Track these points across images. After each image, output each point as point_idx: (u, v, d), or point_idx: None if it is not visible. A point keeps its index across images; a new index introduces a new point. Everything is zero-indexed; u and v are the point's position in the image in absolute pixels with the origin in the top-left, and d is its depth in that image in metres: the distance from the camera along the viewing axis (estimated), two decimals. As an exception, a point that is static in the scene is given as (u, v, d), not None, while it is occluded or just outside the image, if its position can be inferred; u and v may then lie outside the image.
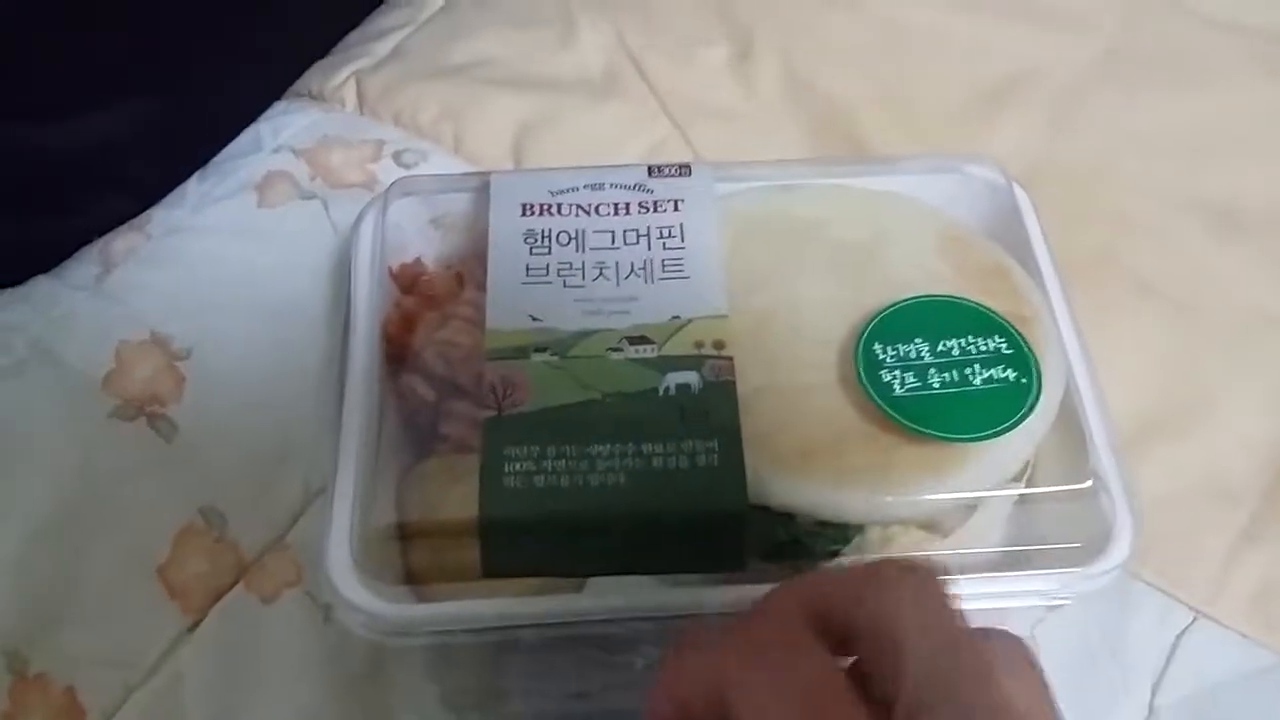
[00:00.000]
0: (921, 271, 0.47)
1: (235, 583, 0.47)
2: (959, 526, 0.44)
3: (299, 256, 0.56)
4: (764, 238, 0.49)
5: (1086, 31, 0.68)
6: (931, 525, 0.44)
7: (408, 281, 0.50)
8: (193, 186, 0.58)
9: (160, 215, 0.57)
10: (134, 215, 0.57)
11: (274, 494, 0.49)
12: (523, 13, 0.68)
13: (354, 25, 0.67)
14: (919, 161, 0.54)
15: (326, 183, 0.58)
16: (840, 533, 0.43)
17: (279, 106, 0.63)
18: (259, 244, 0.56)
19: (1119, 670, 0.47)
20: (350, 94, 0.63)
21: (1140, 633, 0.48)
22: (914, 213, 0.50)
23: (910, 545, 0.44)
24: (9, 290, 0.54)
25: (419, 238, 0.51)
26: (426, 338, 0.47)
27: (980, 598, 0.42)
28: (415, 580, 0.44)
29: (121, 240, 0.56)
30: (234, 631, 0.46)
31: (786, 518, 0.42)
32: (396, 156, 0.60)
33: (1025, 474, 0.45)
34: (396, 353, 0.47)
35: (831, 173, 0.52)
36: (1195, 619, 0.48)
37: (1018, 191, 0.52)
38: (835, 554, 0.43)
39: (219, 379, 0.52)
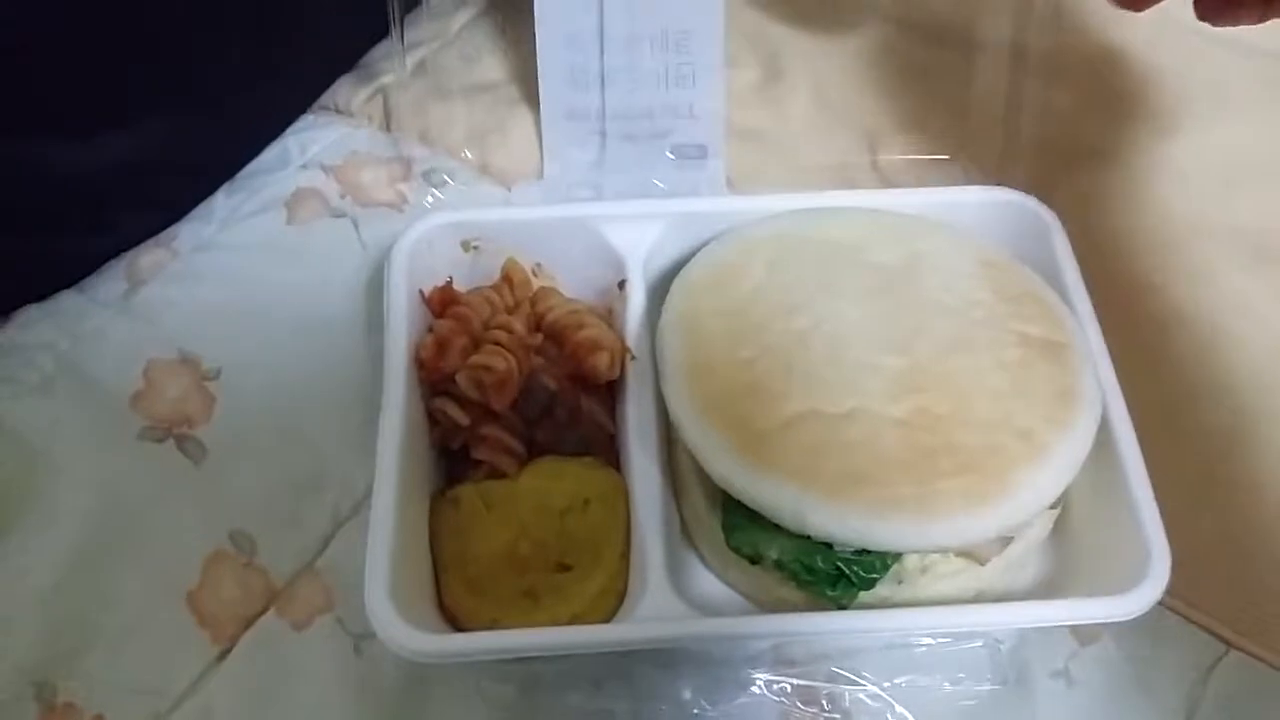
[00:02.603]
0: (958, 295, 0.47)
1: (266, 609, 0.47)
2: (996, 555, 0.45)
3: (329, 275, 0.55)
4: (800, 260, 0.48)
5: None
6: (969, 554, 0.45)
7: (441, 305, 0.51)
8: (220, 201, 0.58)
9: (188, 231, 0.56)
10: (161, 230, 0.56)
11: (304, 518, 0.49)
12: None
13: (379, 39, 0.66)
14: (950, 186, 0.54)
15: (356, 201, 0.58)
16: (879, 561, 0.43)
17: (305, 120, 0.62)
18: (288, 262, 0.56)
19: (1151, 703, 0.47)
20: (377, 110, 0.63)
21: (1172, 664, 0.48)
22: (949, 237, 0.50)
23: (948, 573, 0.44)
24: (35, 306, 0.54)
25: (450, 261, 0.52)
26: (460, 362, 0.48)
27: (1015, 624, 0.43)
28: (450, 609, 0.44)
29: (149, 256, 0.56)
30: (264, 660, 0.46)
31: (824, 547, 0.42)
32: (426, 176, 0.59)
33: (1061, 503, 0.46)
34: (431, 378, 0.48)
35: (864, 197, 0.53)
36: (1228, 651, 0.48)
37: (1047, 216, 0.52)
38: (873, 582, 0.43)
39: (248, 400, 0.51)
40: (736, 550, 0.44)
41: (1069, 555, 0.47)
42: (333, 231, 0.57)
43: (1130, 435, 0.45)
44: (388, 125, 0.62)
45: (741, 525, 0.44)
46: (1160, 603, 0.42)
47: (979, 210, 0.53)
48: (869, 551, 0.42)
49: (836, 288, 0.47)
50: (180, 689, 0.45)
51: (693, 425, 0.44)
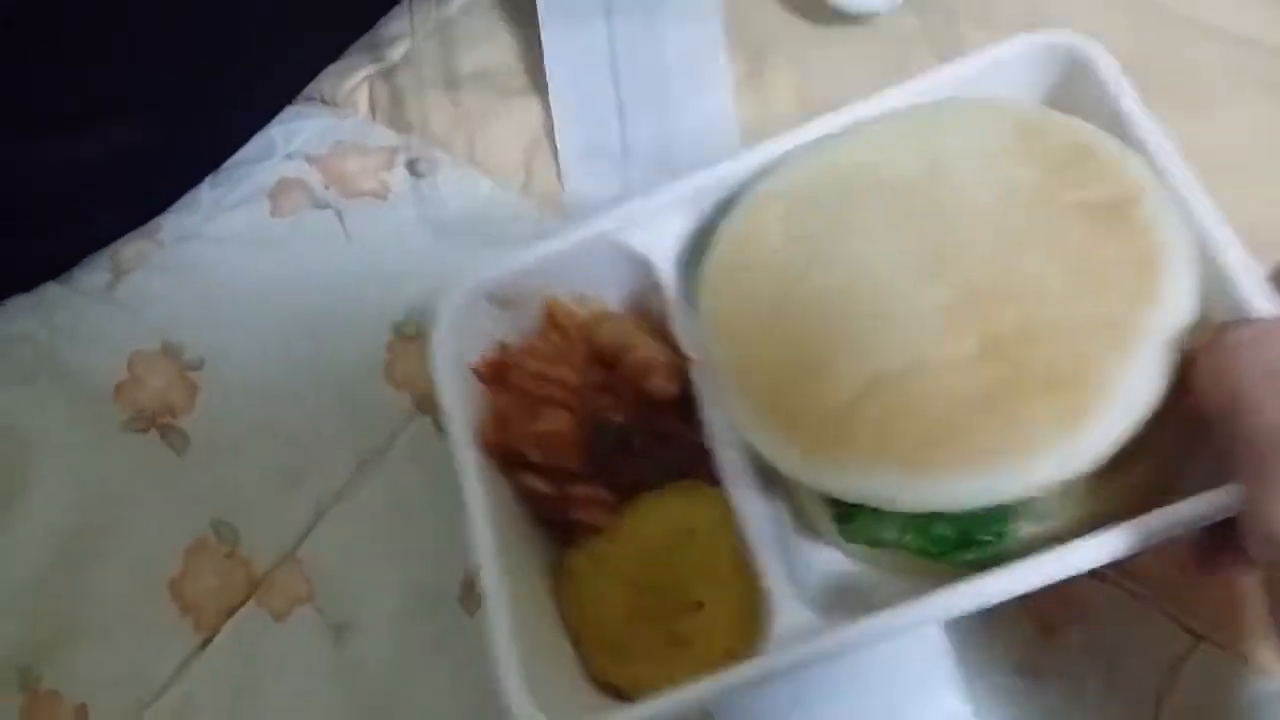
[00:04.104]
0: (995, 183, 0.40)
1: (247, 599, 0.47)
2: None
3: (313, 266, 0.56)
4: (814, 203, 0.42)
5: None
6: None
7: (493, 374, 0.47)
8: (205, 193, 0.58)
9: (171, 222, 0.57)
10: (145, 221, 0.57)
11: (286, 508, 0.49)
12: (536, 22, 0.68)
13: (365, 30, 0.66)
14: (975, 54, 0.45)
15: (340, 191, 0.58)
16: (999, 510, 0.38)
17: (290, 111, 0.62)
18: (272, 253, 0.56)
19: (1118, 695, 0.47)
20: (363, 99, 0.63)
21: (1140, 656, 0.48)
22: (973, 116, 0.43)
23: (1083, 492, 0.39)
24: (19, 297, 0.54)
25: (489, 319, 0.48)
26: (524, 430, 0.45)
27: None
28: (600, 680, 0.43)
29: (132, 247, 0.56)
30: (245, 649, 0.46)
31: (936, 515, 0.38)
32: (410, 165, 0.59)
33: None
34: (501, 453, 0.45)
35: (876, 104, 0.45)
36: (1198, 644, 0.48)
37: (1088, 49, 0.43)
38: (1003, 532, 0.38)
39: (231, 390, 0.52)
40: (852, 540, 0.41)
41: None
42: (317, 222, 0.57)
43: (1240, 256, 0.38)
44: (373, 115, 0.62)
45: (851, 515, 0.41)
46: (1130, 591, 0.42)
47: (1003, 71, 0.45)
48: (984, 509, 0.37)
49: (858, 223, 0.41)
50: (163, 677, 0.45)
51: (758, 436, 0.40)
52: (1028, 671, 0.47)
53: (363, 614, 0.47)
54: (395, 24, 0.66)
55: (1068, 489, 0.37)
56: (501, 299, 0.48)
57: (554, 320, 0.49)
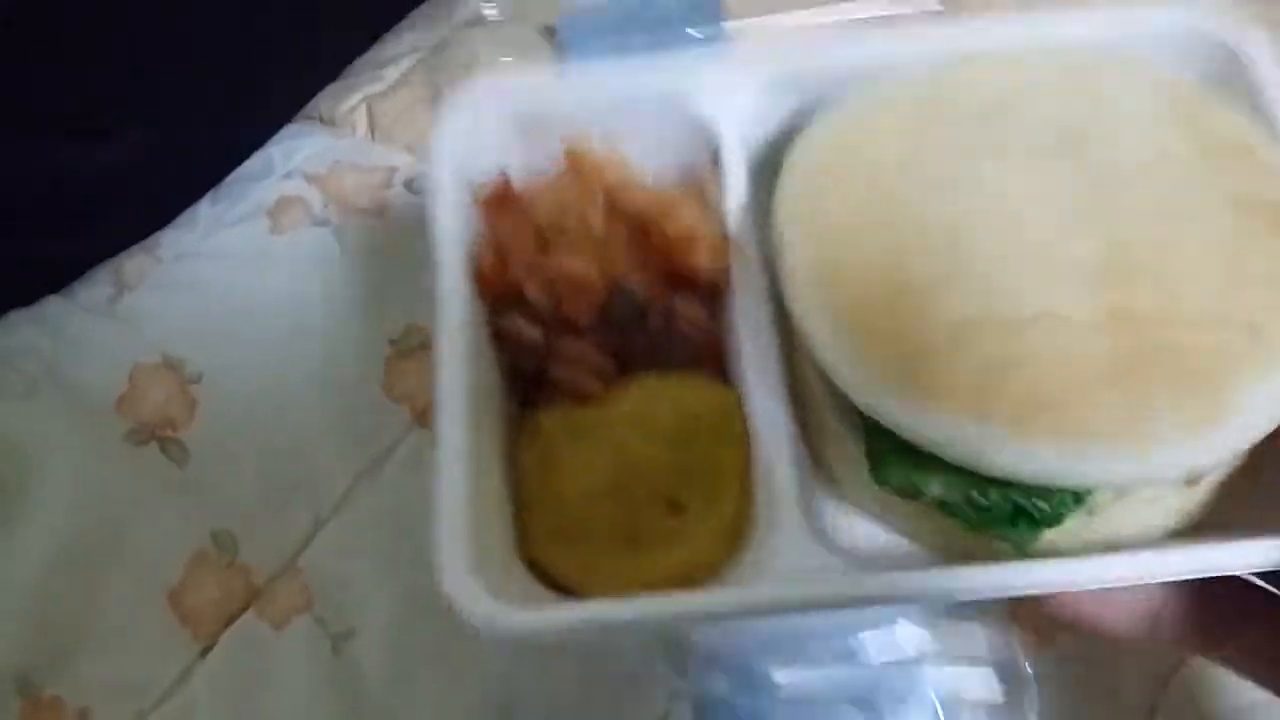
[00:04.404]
0: (1151, 152, 0.37)
1: (245, 609, 0.48)
2: (1213, 472, 0.36)
3: (311, 283, 0.56)
4: (948, 121, 0.38)
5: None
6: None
7: (497, 205, 0.41)
8: (204, 209, 0.58)
9: (171, 238, 0.57)
10: (146, 237, 0.57)
11: (284, 519, 0.50)
12: (529, 42, 0.69)
13: (364, 49, 0.67)
14: (1110, 11, 0.41)
15: (339, 209, 0.59)
16: (1070, 494, 0.35)
17: (290, 129, 0.63)
18: (271, 270, 0.56)
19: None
20: (361, 119, 0.64)
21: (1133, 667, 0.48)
22: (1134, 73, 0.39)
23: (1151, 497, 0.36)
24: (20, 311, 0.55)
25: (499, 148, 0.42)
26: (527, 270, 0.40)
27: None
28: (535, 560, 0.38)
29: (133, 262, 0.56)
30: (244, 659, 0.47)
31: (998, 480, 0.34)
32: (408, 184, 0.60)
33: None
34: (492, 293, 0.40)
35: (1002, 35, 0.42)
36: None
37: (1251, 38, 0.40)
38: (1060, 518, 0.35)
39: (230, 404, 0.52)
40: (884, 483, 0.36)
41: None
42: (315, 239, 0.58)
43: None
44: (371, 135, 0.63)
45: (892, 456, 0.36)
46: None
47: (1158, 41, 0.41)
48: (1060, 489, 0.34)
49: (997, 153, 0.37)
50: (163, 686, 0.46)
51: (830, 342, 0.35)
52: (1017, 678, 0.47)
53: (362, 623, 0.47)
54: (393, 45, 0.67)
55: (1121, 494, 0.35)
56: (521, 120, 0.42)
57: (576, 167, 0.42)
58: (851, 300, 0.35)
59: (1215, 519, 0.38)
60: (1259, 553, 0.34)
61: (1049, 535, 0.35)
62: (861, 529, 0.39)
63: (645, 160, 0.42)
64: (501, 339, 0.40)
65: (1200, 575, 0.34)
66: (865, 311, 0.35)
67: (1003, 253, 0.35)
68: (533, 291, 0.39)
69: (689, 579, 0.36)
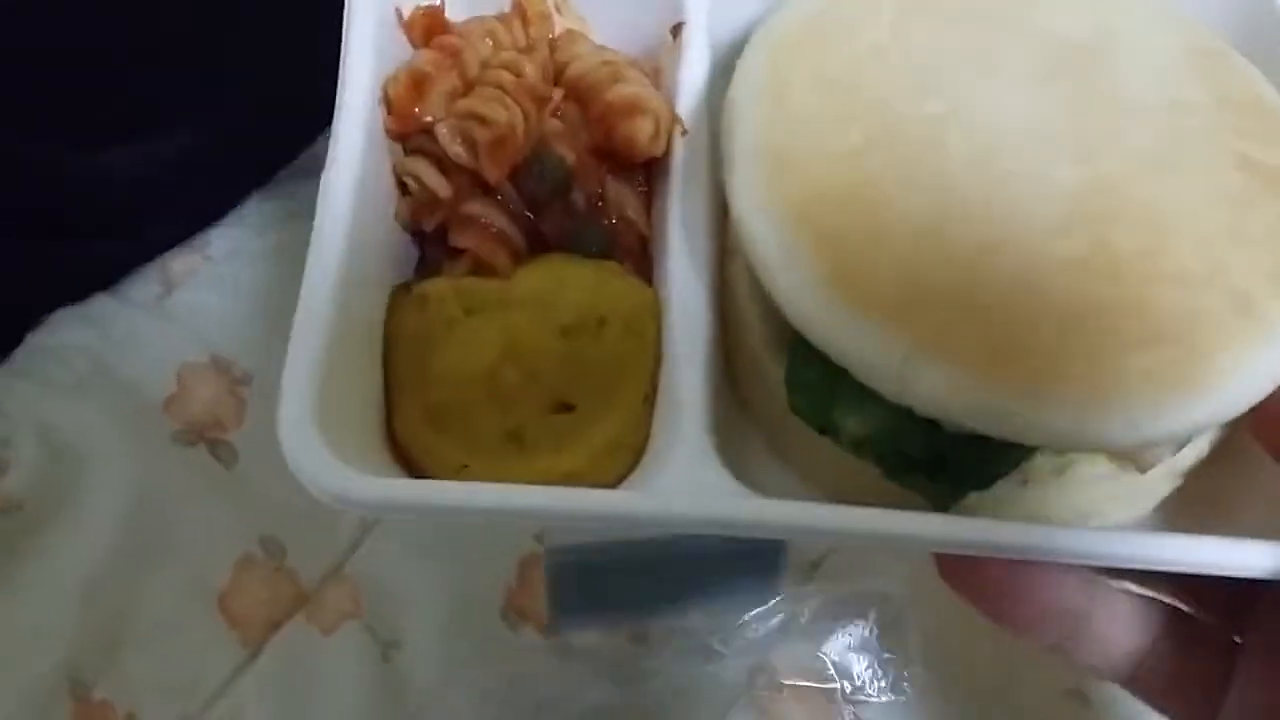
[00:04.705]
0: (1162, 93, 0.34)
1: (294, 613, 0.47)
2: (1163, 460, 0.34)
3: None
4: (942, 16, 0.35)
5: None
6: (1129, 456, 0.34)
7: (426, 33, 0.38)
8: (252, 207, 0.58)
9: (220, 236, 0.57)
10: (194, 235, 0.57)
11: (332, 524, 0.49)
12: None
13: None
14: None
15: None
16: (1005, 452, 0.32)
17: (337, 127, 0.63)
18: (320, 269, 0.56)
19: None
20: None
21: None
22: (1151, 11, 0.37)
23: (1091, 478, 0.33)
24: (70, 309, 0.55)
25: None
26: (444, 109, 0.36)
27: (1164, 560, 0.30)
28: (403, 443, 0.34)
29: (181, 261, 0.56)
30: (292, 663, 0.46)
31: (928, 423, 0.31)
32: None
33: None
34: (401, 127, 0.36)
35: None
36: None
37: None
38: (992, 479, 0.32)
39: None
40: (799, 413, 0.33)
41: (1237, 471, 0.35)
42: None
43: None
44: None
45: (813, 381, 0.33)
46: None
47: None
48: (992, 441, 0.30)
49: (992, 62, 0.34)
50: (211, 690, 0.46)
51: (767, 234, 0.32)
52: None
53: (409, 629, 0.47)
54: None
55: (1062, 470, 0.33)
56: None
57: (522, 7, 0.39)
58: (800, 193, 0.32)
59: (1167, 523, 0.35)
60: (1221, 551, 0.30)
61: (972, 499, 0.32)
62: (766, 469, 0.36)
63: (602, 27, 0.39)
64: (403, 186, 0.36)
65: (1157, 568, 0.30)
66: (811, 208, 0.32)
67: (974, 166, 0.32)
68: (445, 133, 0.35)
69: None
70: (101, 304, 0.55)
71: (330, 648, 0.47)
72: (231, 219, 0.58)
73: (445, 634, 0.47)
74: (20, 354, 0.53)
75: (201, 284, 0.55)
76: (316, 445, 0.31)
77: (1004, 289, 0.30)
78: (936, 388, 0.29)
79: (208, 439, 0.51)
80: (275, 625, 0.47)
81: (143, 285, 0.56)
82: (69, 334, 0.54)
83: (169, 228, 0.57)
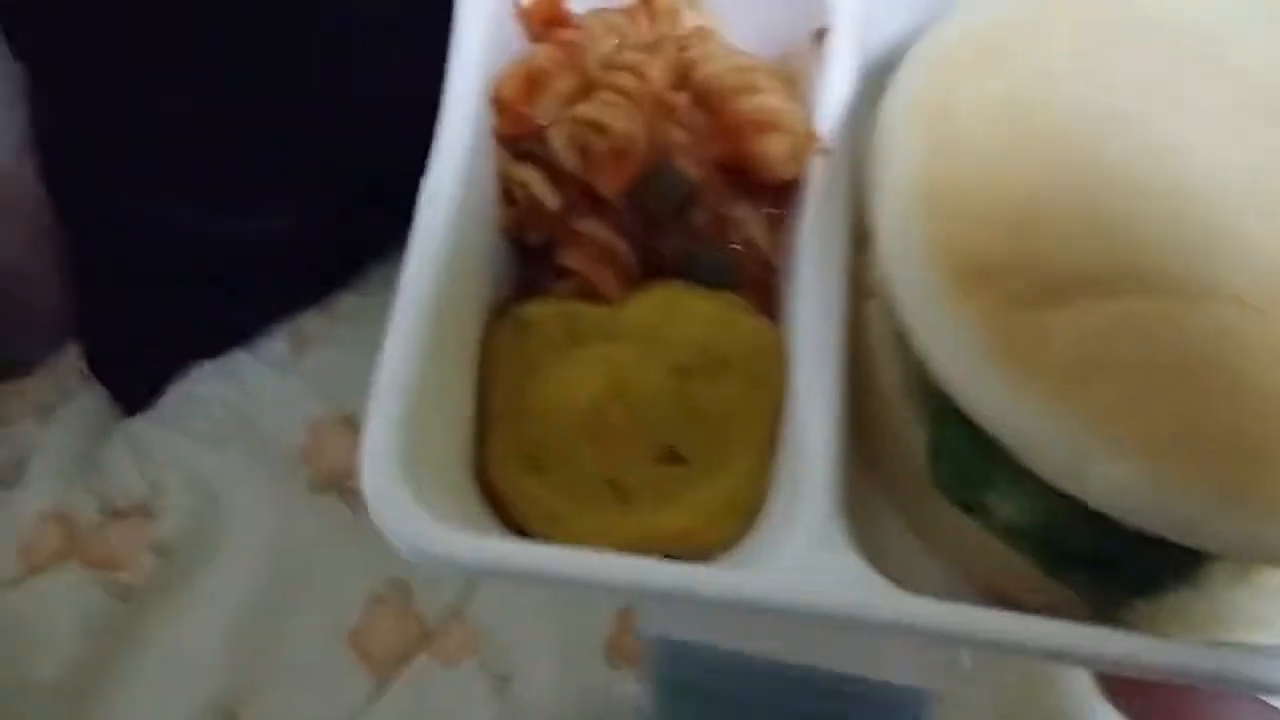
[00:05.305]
0: None
1: (419, 651, 0.51)
2: None
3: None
4: (1126, 43, 0.30)
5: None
6: None
7: (544, 24, 0.35)
8: (377, 271, 0.63)
9: (347, 298, 0.62)
10: (323, 298, 0.62)
11: (451, 566, 0.53)
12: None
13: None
14: None
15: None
16: (1183, 556, 0.27)
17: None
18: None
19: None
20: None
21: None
22: None
23: (1274, 588, 0.29)
24: (210, 363, 0.60)
25: None
26: (560, 111, 0.32)
27: None
28: (493, 481, 0.31)
29: (311, 321, 0.61)
30: (417, 698, 0.50)
31: (1097, 516, 0.26)
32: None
33: None
34: (512, 129, 0.33)
35: None
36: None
37: None
38: (1161, 585, 0.28)
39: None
40: (943, 488, 0.29)
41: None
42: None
43: None
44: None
45: (962, 451, 0.28)
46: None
47: None
48: (1173, 545, 0.26)
49: (1182, 97, 0.29)
50: (344, 719, 0.50)
51: (921, 288, 0.27)
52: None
53: (522, 667, 0.51)
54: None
55: (1243, 577, 0.29)
56: None
57: (651, 7, 0.35)
58: (964, 238, 0.27)
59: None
60: None
61: (1136, 605, 0.29)
62: (899, 547, 0.32)
63: (737, 27, 0.35)
64: (510, 197, 0.32)
65: None
66: (977, 255, 0.27)
67: (1173, 222, 0.27)
68: (558, 139, 0.31)
69: (675, 550, 0.28)
70: (239, 359, 0.60)
71: (450, 682, 0.51)
72: (357, 282, 0.62)
73: (554, 671, 0.51)
74: (164, 404, 0.58)
75: (329, 344, 0.60)
76: (406, 500, 0.27)
77: (1196, 368, 0.25)
78: (1113, 479, 0.25)
79: (339, 488, 0.55)
80: (401, 661, 0.51)
81: (275, 343, 0.60)
82: (208, 387, 0.58)
83: (298, 291, 0.62)
